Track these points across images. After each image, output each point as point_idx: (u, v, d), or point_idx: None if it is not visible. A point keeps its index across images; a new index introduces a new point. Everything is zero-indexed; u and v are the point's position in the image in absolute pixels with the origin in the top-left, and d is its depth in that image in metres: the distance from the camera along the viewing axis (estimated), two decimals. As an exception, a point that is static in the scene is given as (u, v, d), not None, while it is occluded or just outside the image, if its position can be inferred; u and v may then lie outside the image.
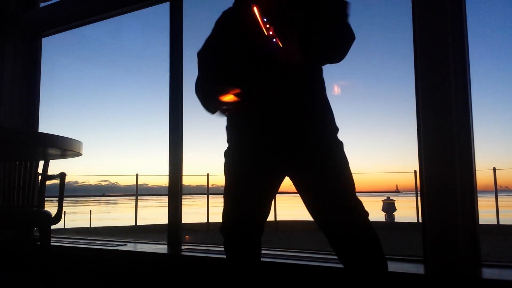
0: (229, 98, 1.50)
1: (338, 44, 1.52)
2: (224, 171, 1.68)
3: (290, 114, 1.55)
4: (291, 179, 1.62)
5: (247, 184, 1.61)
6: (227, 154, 1.69)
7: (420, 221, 2.23)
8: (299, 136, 1.55)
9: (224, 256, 1.63)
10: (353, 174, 1.58)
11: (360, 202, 1.54)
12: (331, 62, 1.58)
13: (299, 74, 1.55)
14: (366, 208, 1.56)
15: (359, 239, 1.50)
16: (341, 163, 1.56)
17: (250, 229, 1.64)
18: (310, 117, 1.57)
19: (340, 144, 1.60)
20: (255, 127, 1.60)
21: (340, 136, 1.63)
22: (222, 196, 1.68)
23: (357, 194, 1.58)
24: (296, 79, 1.55)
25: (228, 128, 1.70)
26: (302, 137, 1.55)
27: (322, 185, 1.52)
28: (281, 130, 1.56)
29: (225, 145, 1.77)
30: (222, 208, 1.66)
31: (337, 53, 1.54)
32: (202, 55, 1.77)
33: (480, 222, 2.11)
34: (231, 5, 1.77)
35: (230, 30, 1.69)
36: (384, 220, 10.40)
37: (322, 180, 1.52)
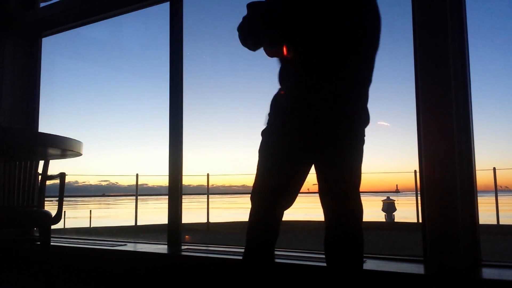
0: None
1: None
2: (261, 149, 1.74)
3: (330, 105, 1.63)
4: (315, 167, 1.69)
5: (284, 162, 1.68)
6: (266, 133, 1.74)
7: (420, 221, 2.23)
8: (332, 126, 1.62)
9: (224, 256, 1.64)
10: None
11: (360, 202, 1.61)
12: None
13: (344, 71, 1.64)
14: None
15: (348, 234, 1.60)
16: (358, 160, 1.66)
17: (280, 195, 1.69)
18: (345, 111, 1.64)
19: (363, 140, 1.68)
20: (297, 112, 1.66)
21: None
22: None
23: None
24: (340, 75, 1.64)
25: (272, 107, 1.75)
26: (334, 127, 1.63)
27: (335, 178, 1.62)
28: (319, 120, 1.63)
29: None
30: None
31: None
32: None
33: (480, 222, 2.12)
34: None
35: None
36: (384, 220, 10.39)
37: (336, 173, 1.62)
